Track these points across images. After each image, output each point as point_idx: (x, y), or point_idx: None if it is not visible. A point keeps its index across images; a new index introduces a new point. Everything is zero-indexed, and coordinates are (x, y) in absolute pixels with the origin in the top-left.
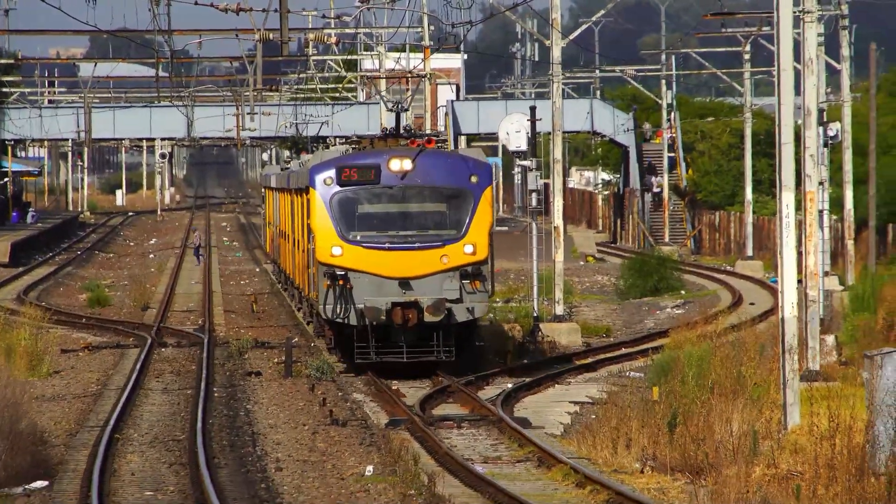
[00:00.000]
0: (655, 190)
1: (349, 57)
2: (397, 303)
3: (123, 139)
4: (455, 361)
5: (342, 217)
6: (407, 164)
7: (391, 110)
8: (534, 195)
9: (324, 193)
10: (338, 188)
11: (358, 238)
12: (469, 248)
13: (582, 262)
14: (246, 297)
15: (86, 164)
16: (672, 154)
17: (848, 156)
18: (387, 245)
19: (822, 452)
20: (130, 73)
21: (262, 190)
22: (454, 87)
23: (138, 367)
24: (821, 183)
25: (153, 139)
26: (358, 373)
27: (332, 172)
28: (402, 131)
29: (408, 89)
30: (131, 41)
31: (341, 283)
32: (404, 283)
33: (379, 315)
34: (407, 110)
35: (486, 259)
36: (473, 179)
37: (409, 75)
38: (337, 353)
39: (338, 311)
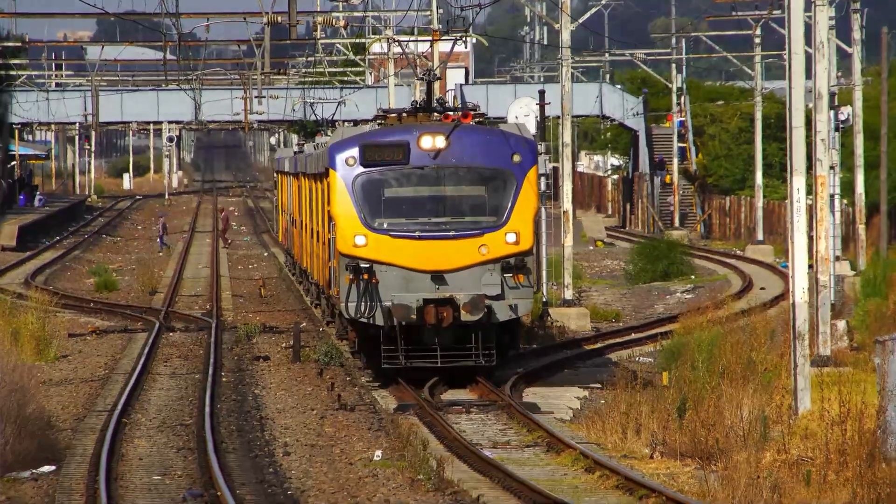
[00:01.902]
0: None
1: (357, 40)
2: (430, 300)
3: (131, 122)
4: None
5: (366, 202)
6: (440, 142)
7: (421, 79)
8: (542, 179)
9: (346, 175)
10: (361, 169)
11: (385, 226)
12: (512, 237)
13: (591, 247)
14: (254, 282)
15: (93, 148)
16: (683, 144)
17: (859, 140)
18: (417, 234)
19: (833, 438)
20: (138, 57)
21: (274, 175)
22: (463, 71)
23: (146, 351)
24: (832, 167)
25: (160, 123)
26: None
27: (354, 151)
28: (434, 104)
29: (416, 73)
30: (139, 24)
31: (366, 277)
32: (438, 277)
33: (409, 314)
34: (440, 79)
35: (531, 249)
36: (516, 159)
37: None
38: (361, 357)
39: (362, 309)
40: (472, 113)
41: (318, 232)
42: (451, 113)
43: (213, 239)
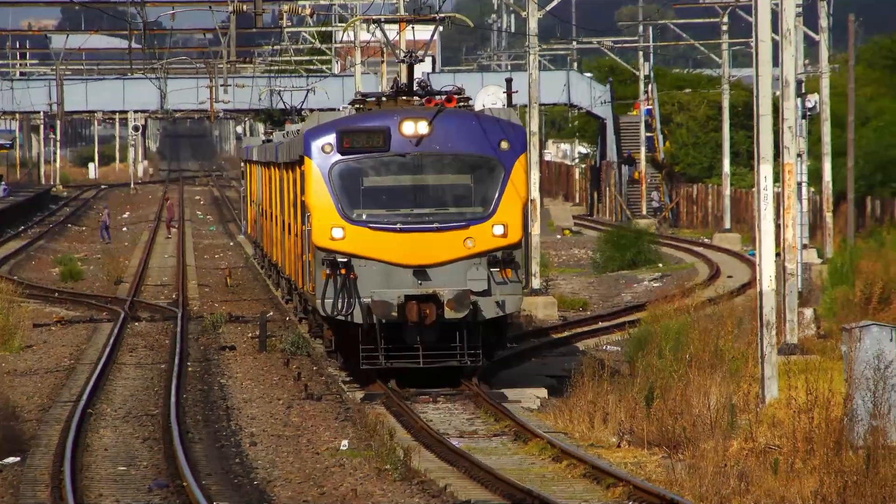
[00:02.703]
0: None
1: (323, 28)
2: (412, 296)
3: (96, 112)
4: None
5: (344, 192)
6: (423, 128)
7: (402, 61)
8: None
9: (322, 163)
10: (339, 157)
11: (364, 217)
12: (499, 230)
13: (559, 236)
14: (220, 271)
15: (58, 137)
16: (650, 134)
17: (826, 128)
18: (398, 226)
19: (801, 426)
20: (103, 45)
21: (242, 164)
22: (430, 59)
23: (111, 341)
24: (799, 155)
25: (126, 112)
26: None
27: (331, 138)
28: (416, 87)
29: (383, 61)
30: (104, 13)
31: (343, 272)
32: (420, 271)
33: (389, 311)
34: (422, 61)
35: (520, 242)
36: (504, 146)
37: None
38: (338, 357)
39: (339, 306)
40: (456, 97)
41: (290, 224)
42: (433, 97)
43: (180, 228)
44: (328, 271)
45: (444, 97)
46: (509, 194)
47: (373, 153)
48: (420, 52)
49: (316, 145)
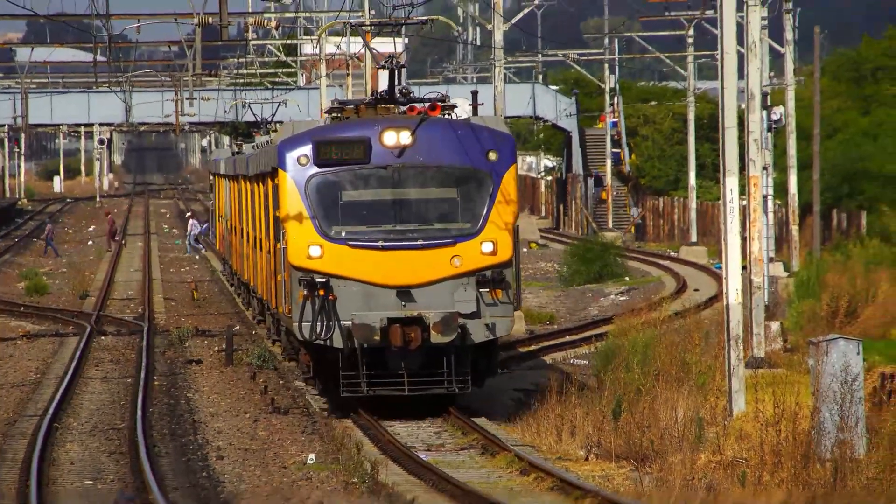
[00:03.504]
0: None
1: (289, 41)
2: (395, 319)
3: (61, 125)
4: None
5: (322, 207)
6: (405, 138)
7: (382, 67)
8: None
9: (297, 176)
10: (316, 169)
11: (343, 234)
12: (488, 247)
13: (525, 249)
14: (186, 285)
15: (23, 151)
16: (617, 150)
17: (792, 140)
18: (380, 243)
19: (768, 439)
20: (68, 58)
21: (210, 177)
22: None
23: (77, 355)
24: (765, 168)
25: (91, 125)
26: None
27: (307, 149)
28: (398, 95)
29: (348, 74)
30: (69, 26)
31: (322, 293)
32: (404, 292)
33: (372, 335)
34: (404, 66)
35: (510, 260)
36: (492, 156)
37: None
38: (316, 384)
39: (318, 330)
40: (440, 105)
41: (262, 240)
42: (416, 105)
43: (146, 242)
44: (305, 292)
45: (427, 105)
46: (498, 209)
47: (352, 165)
48: (396, 61)
49: (291, 157)
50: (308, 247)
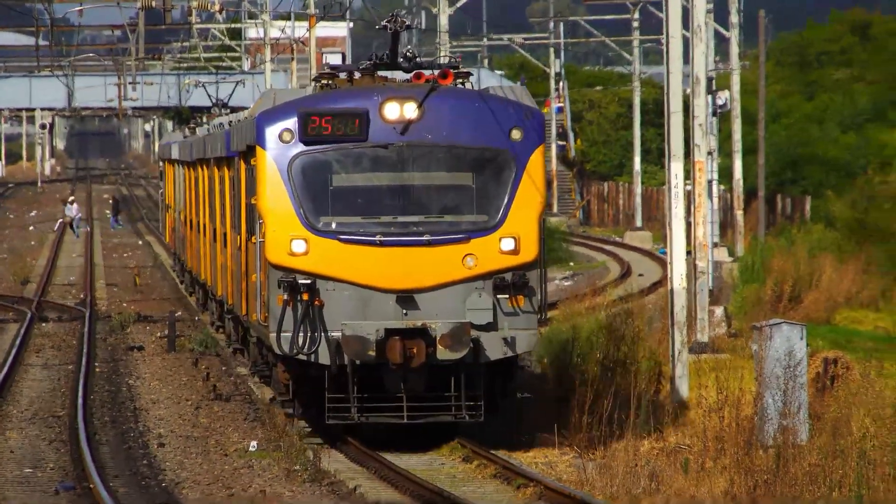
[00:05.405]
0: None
1: (233, 25)
2: (394, 330)
3: (2, 109)
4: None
5: (308, 193)
6: (410, 111)
7: (383, 27)
8: None
9: (279, 155)
10: (302, 147)
11: (333, 227)
12: (508, 244)
13: None
14: (129, 271)
15: None
16: (562, 140)
17: (737, 125)
18: (378, 238)
19: (711, 425)
20: (9, 42)
21: (160, 164)
22: (340, 57)
23: (18, 342)
24: (710, 152)
25: (33, 109)
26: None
27: (291, 123)
28: (400, 60)
29: (293, 58)
30: (10, 9)
31: (306, 297)
32: (406, 298)
33: (365, 349)
34: (411, 27)
35: (535, 261)
36: (516, 135)
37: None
38: (295, 407)
39: (300, 342)
40: (452, 71)
41: (224, 234)
42: (424, 72)
43: (89, 227)
44: (286, 296)
45: (437, 72)
46: (522, 198)
47: (346, 143)
48: (401, 21)
49: (271, 132)
50: (290, 241)
